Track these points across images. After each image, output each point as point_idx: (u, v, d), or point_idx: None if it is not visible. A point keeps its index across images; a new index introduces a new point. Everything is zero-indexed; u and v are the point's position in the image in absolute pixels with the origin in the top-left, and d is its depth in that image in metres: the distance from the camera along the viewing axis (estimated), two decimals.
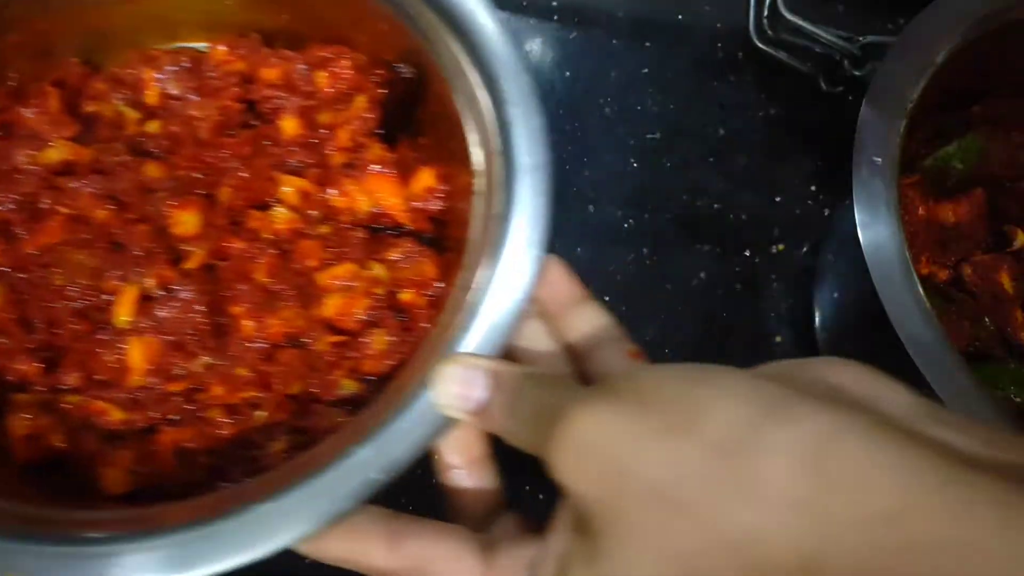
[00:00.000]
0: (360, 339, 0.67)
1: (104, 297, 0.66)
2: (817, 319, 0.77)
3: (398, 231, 0.73)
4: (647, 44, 0.95)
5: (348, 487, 0.52)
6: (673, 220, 0.85)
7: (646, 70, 0.93)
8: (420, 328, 0.68)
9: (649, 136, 0.90)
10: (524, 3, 0.96)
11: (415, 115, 0.74)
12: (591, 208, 0.85)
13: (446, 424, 0.54)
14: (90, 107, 0.73)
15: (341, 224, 0.71)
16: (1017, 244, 0.74)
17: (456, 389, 0.51)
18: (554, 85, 0.92)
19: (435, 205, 0.71)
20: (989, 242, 0.75)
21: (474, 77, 0.64)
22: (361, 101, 0.71)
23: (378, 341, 0.67)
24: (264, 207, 0.71)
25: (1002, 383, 0.67)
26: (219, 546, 0.50)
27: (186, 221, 0.68)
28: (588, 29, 0.96)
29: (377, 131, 0.73)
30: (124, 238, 0.67)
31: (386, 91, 0.72)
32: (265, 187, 0.70)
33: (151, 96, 0.73)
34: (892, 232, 0.59)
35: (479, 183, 0.62)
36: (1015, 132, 0.76)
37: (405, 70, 0.70)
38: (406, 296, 0.70)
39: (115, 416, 0.64)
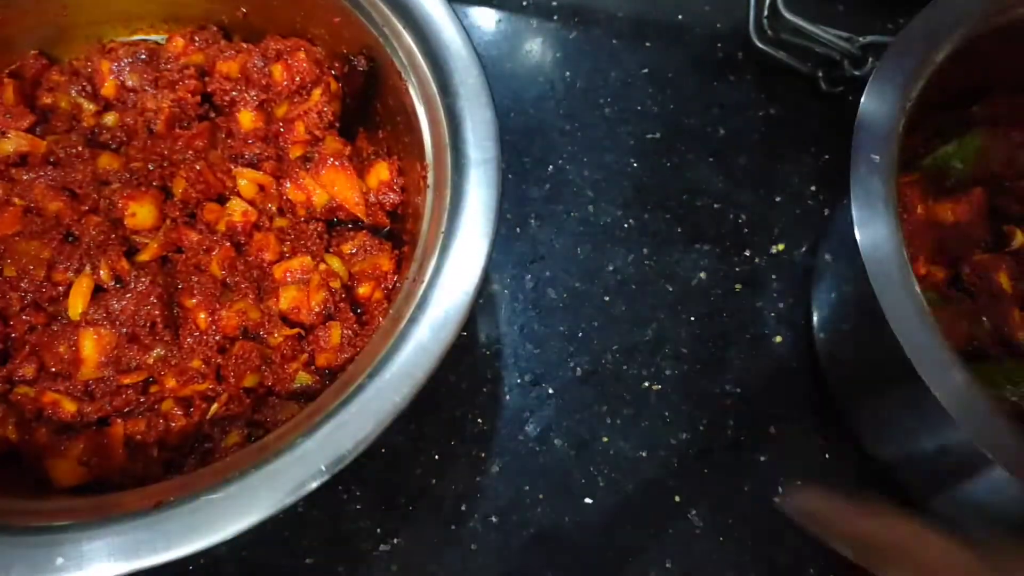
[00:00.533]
0: (316, 332, 0.67)
1: (58, 288, 0.66)
2: (815, 319, 0.77)
3: (355, 225, 0.73)
4: (647, 44, 0.95)
5: (294, 478, 0.52)
6: (673, 220, 0.85)
7: (646, 70, 0.93)
8: (377, 322, 0.68)
9: (649, 136, 0.90)
10: (524, 3, 0.97)
11: (373, 109, 0.74)
12: (591, 208, 0.85)
13: (391, 416, 0.54)
14: (47, 99, 0.73)
15: (297, 217, 0.71)
16: (1016, 244, 0.72)
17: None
18: (554, 85, 0.92)
19: (391, 199, 0.71)
20: (988, 242, 0.74)
21: (427, 70, 0.65)
22: (317, 94, 0.71)
23: (334, 335, 0.67)
24: (220, 200, 0.71)
25: (997, 382, 0.66)
26: (171, 534, 0.51)
27: (140, 213, 0.68)
28: (588, 29, 0.96)
29: (335, 124, 0.73)
30: (78, 229, 0.67)
31: (343, 84, 0.72)
32: (221, 180, 0.70)
33: (108, 88, 0.73)
34: (890, 231, 0.58)
35: (431, 176, 0.63)
36: (1015, 131, 0.74)
37: (360, 63, 0.70)
38: (364, 290, 0.70)
39: (67, 408, 0.63)
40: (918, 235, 0.71)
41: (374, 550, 0.72)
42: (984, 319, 0.69)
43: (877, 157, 0.62)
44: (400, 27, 0.66)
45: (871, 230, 0.61)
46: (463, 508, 0.74)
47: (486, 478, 0.75)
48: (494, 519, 0.74)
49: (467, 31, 0.64)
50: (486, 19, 0.97)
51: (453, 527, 0.73)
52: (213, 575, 0.70)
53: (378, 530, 0.72)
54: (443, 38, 0.65)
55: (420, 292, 0.58)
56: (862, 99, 0.64)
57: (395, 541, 0.72)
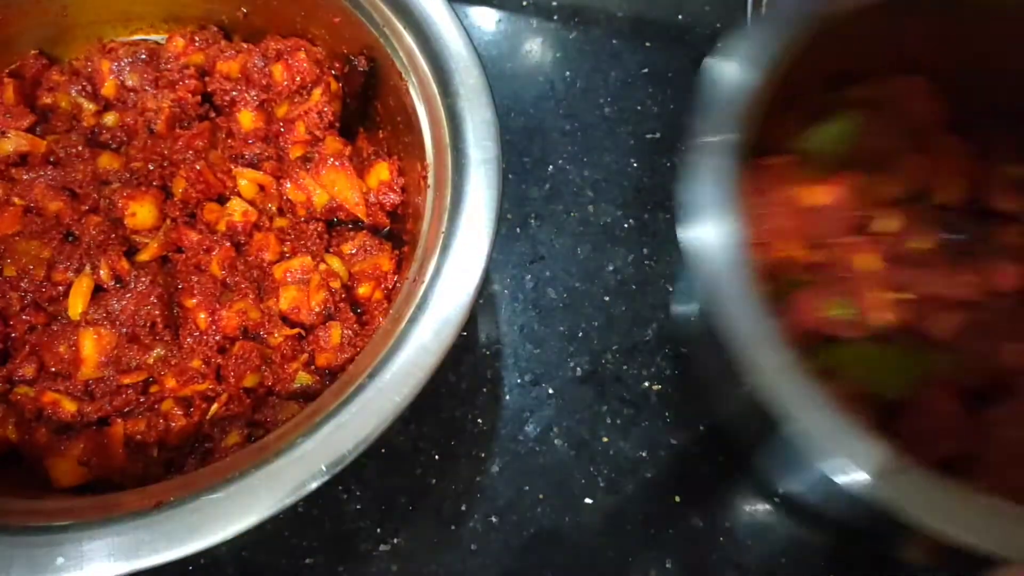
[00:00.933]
0: (316, 332, 0.67)
1: (58, 288, 0.66)
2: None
3: (355, 225, 0.73)
4: (647, 44, 0.95)
5: (294, 478, 0.52)
6: (673, 220, 0.84)
7: (646, 70, 0.93)
8: (377, 322, 0.68)
9: (649, 136, 0.90)
10: (524, 3, 0.97)
11: (374, 109, 0.74)
12: (591, 208, 0.85)
13: (392, 416, 0.54)
14: (47, 99, 0.73)
15: (298, 217, 0.71)
16: (876, 227, 0.71)
17: None
18: (554, 85, 0.92)
19: (391, 199, 0.71)
20: (856, 224, 0.72)
21: (427, 71, 0.65)
22: (318, 94, 0.71)
23: (334, 335, 0.67)
24: (221, 200, 0.71)
25: (847, 363, 0.65)
26: (171, 534, 0.51)
27: (140, 213, 0.68)
28: (588, 29, 0.96)
29: (335, 125, 0.73)
30: (78, 229, 0.67)
31: (343, 85, 0.72)
32: (221, 180, 0.70)
33: (108, 88, 0.73)
34: (724, 221, 0.56)
35: (431, 176, 0.63)
36: (892, 113, 0.73)
37: (360, 63, 0.70)
38: (364, 290, 0.70)
39: (67, 408, 0.63)
40: (781, 217, 0.70)
41: (374, 550, 0.72)
42: (842, 299, 0.69)
43: (715, 139, 0.59)
44: (400, 27, 0.66)
45: (702, 223, 0.57)
46: (463, 508, 0.74)
47: (486, 478, 0.75)
48: (494, 519, 0.74)
49: (467, 31, 0.64)
50: (486, 19, 0.97)
51: (453, 527, 0.73)
52: (213, 575, 0.70)
53: (378, 530, 0.72)
54: (444, 38, 0.65)
55: (420, 292, 0.58)
56: (706, 80, 0.62)
57: (395, 541, 0.72)
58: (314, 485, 0.52)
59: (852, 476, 0.51)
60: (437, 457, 0.75)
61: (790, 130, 0.73)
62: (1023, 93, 0.74)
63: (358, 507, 0.73)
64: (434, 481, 0.74)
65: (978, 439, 0.65)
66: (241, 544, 0.70)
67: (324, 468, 0.53)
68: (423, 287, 0.58)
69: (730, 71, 0.62)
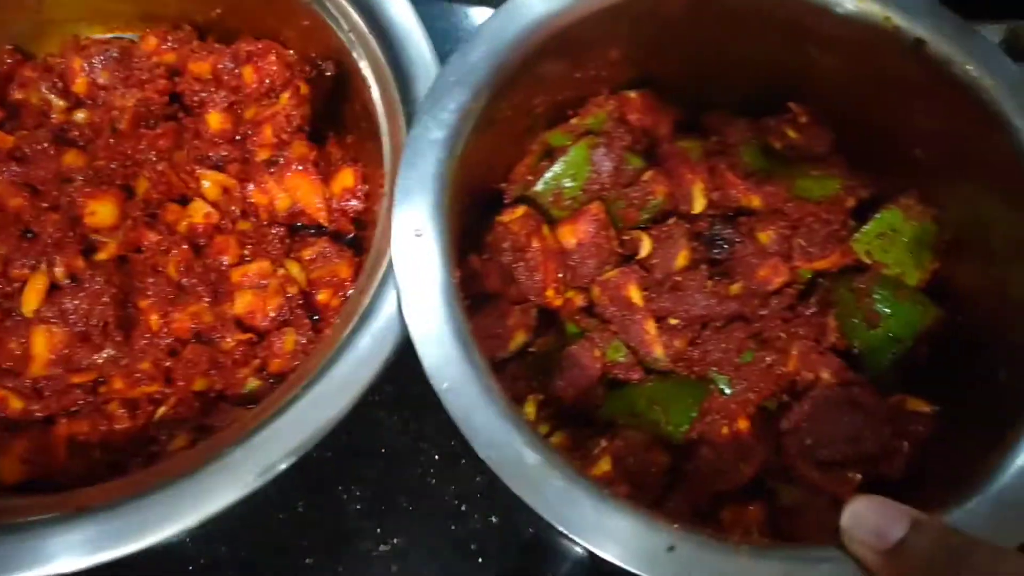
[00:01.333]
0: (271, 338, 0.66)
1: (13, 285, 0.65)
2: None
3: (320, 231, 0.72)
4: None
5: (223, 486, 0.51)
6: None
7: None
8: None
9: None
10: None
11: (343, 114, 0.73)
12: None
13: (326, 429, 0.53)
14: (18, 95, 0.73)
15: (260, 221, 0.70)
16: (644, 252, 0.68)
17: (872, 522, 0.47)
18: None
19: (354, 205, 0.70)
20: (619, 255, 0.69)
21: (391, 77, 0.64)
22: (286, 98, 0.70)
23: (288, 341, 0.66)
24: (184, 201, 0.70)
25: (640, 405, 0.63)
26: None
27: (100, 212, 0.67)
28: None
29: (304, 128, 0.72)
30: (36, 226, 0.67)
31: (312, 89, 0.72)
32: (184, 181, 0.70)
33: (79, 85, 0.73)
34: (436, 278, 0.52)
35: (388, 184, 0.61)
36: (617, 134, 0.69)
37: (328, 68, 0.69)
38: (323, 297, 0.69)
39: (14, 405, 0.63)
40: (542, 267, 0.65)
41: (374, 550, 0.71)
42: (621, 341, 0.66)
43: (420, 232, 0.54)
44: (367, 32, 0.65)
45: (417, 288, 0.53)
46: (463, 508, 0.73)
47: (486, 478, 0.73)
48: (494, 519, 0.72)
49: (431, 39, 0.64)
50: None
51: (453, 527, 0.72)
52: (213, 575, 0.69)
53: (378, 530, 0.72)
54: (407, 45, 0.64)
55: (366, 302, 0.57)
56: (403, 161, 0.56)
57: (395, 541, 0.71)
58: (240, 495, 0.51)
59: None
60: (437, 457, 0.74)
61: (525, 178, 0.70)
62: (750, 81, 0.73)
63: (358, 507, 0.72)
64: (434, 481, 0.73)
65: (776, 451, 0.63)
66: (241, 544, 0.69)
67: (253, 478, 0.51)
68: (368, 297, 0.57)
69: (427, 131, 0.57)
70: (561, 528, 0.48)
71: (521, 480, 0.49)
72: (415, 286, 0.53)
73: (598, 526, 0.48)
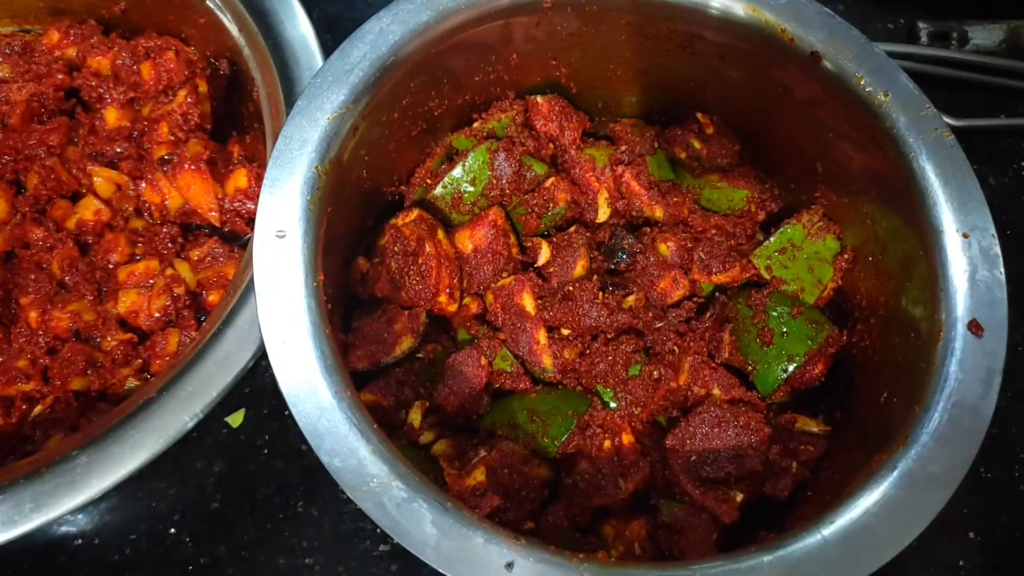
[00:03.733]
0: (154, 339, 0.65)
1: None
2: None
3: (214, 231, 0.71)
4: None
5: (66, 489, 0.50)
6: None
7: None
8: None
9: None
10: None
11: (242, 114, 0.72)
12: None
13: (176, 436, 0.52)
14: None
15: (153, 219, 0.69)
16: (542, 259, 0.67)
17: None
18: None
19: (248, 207, 0.69)
20: (518, 262, 0.68)
21: (277, 78, 0.63)
22: (183, 96, 0.69)
23: (172, 342, 0.65)
24: (76, 197, 0.69)
25: (520, 417, 0.61)
26: None
27: None
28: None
29: (204, 127, 0.71)
30: None
31: (209, 87, 0.71)
32: (76, 177, 0.69)
33: None
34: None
35: None
36: (518, 144, 0.68)
37: (222, 67, 0.68)
38: (213, 298, 0.68)
39: None
40: (437, 272, 0.64)
41: (374, 550, 0.70)
42: (508, 350, 0.64)
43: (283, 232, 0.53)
44: (256, 32, 0.64)
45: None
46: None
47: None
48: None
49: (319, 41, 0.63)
50: None
51: None
52: (214, 575, 0.68)
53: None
54: (296, 47, 0.63)
55: (231, 305, 0.56)
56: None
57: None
58: (81, 500, 0.50)
59: None
60: None
61: (424, 183, 0.69)
62: (656, 90, 0.73)
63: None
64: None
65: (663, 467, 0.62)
66: (241, 544, 0.68)
67: (98, 489, 0.51)
68: (234, 301, 0.56)
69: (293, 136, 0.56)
70: (397, 539, 0.47)
71: (362, 490, 0.48)
72: (273, 287, 0.52)
73: (436, 540, 0.47)
